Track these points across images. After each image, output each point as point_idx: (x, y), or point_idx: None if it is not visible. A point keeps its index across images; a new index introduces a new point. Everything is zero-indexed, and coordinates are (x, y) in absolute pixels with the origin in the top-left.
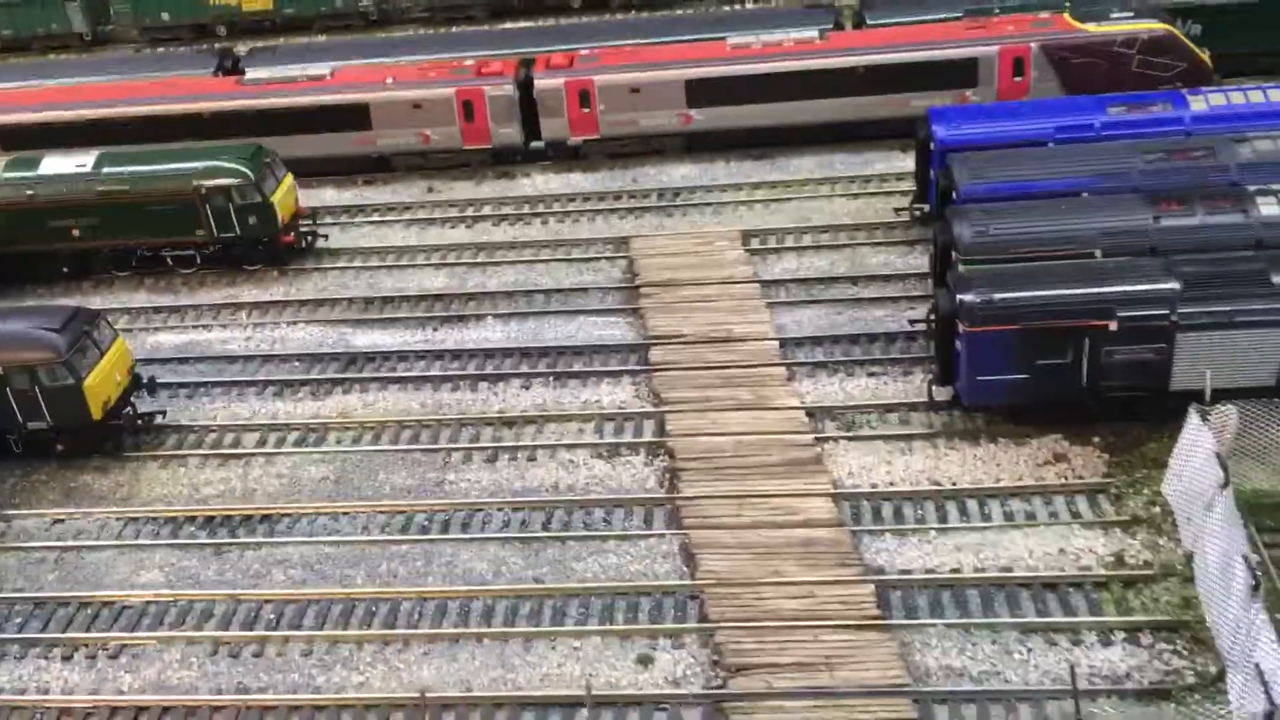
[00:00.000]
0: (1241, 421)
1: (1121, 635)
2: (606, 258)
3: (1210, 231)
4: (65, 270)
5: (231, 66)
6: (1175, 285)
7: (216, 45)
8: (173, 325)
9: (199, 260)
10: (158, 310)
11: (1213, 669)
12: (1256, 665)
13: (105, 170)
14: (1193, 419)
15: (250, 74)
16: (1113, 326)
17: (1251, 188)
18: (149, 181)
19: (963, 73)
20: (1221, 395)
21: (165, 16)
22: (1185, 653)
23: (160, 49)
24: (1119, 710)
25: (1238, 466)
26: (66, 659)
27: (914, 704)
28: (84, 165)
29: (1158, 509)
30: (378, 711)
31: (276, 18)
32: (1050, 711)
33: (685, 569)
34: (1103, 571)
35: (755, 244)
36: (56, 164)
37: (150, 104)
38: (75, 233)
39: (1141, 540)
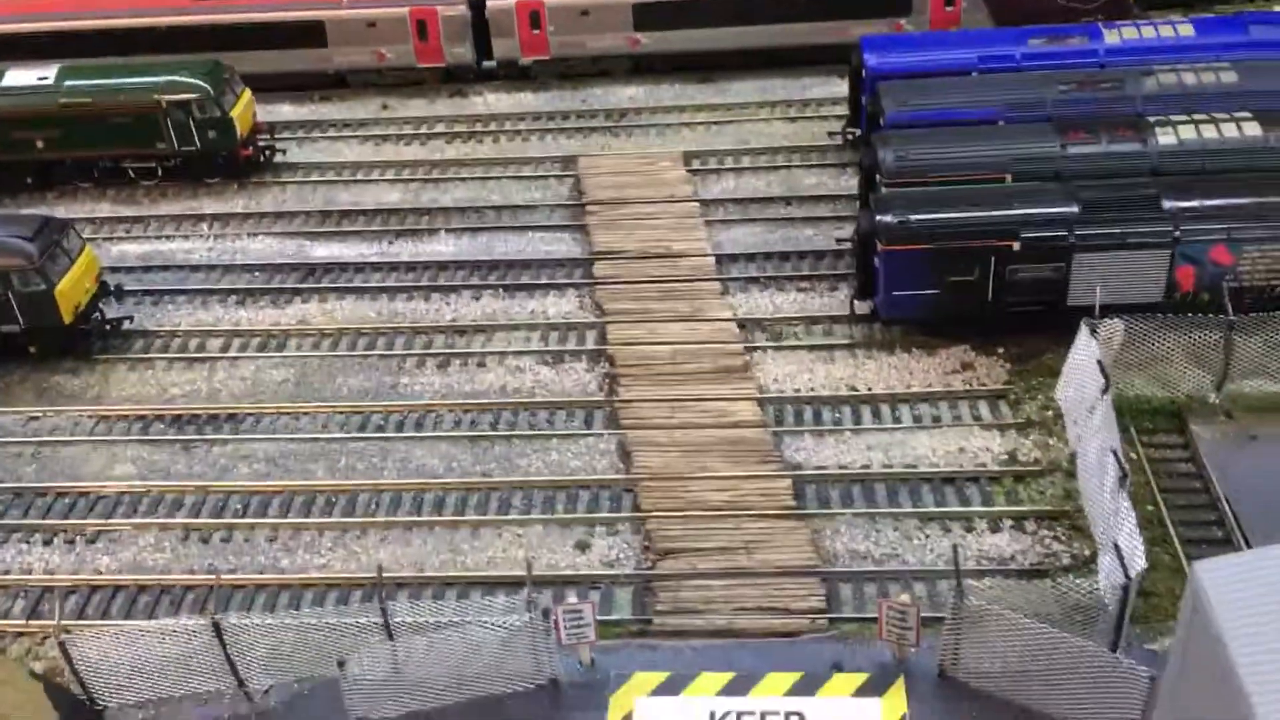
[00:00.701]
0: (1128, 335)
1: (1009, 523)
2: (555, 176)
3: (1112, 159)
4: (29, 181)
5: None
6: (1074, 209)
7: None
8: (136, 235)
9: (160, 173)
10: (121, 220)
11: (1087, 552)
12: (1115, 544)
13: (67, 83)
14: (1083, 331)
15: None
16: (1016, 246)
17: (1152, 119)
18: (110, 95)
19: (897, 1)
20: (1114, 310)
21: None
22: (1064, 538)
23: None
24: (1001, 587)
25: (1123, 375)
26: (47, 543)
27: (822, 582)
28: (46, 78)
29: (1050, 412)
30: (338, 590)
31: None
32: (941, 588)
33: (621, 465)
34: (997, 468)
35: (696, 164)
36: (19, 77)
37: (108, 18)
38: (39, 144)
39: (1034, 440)
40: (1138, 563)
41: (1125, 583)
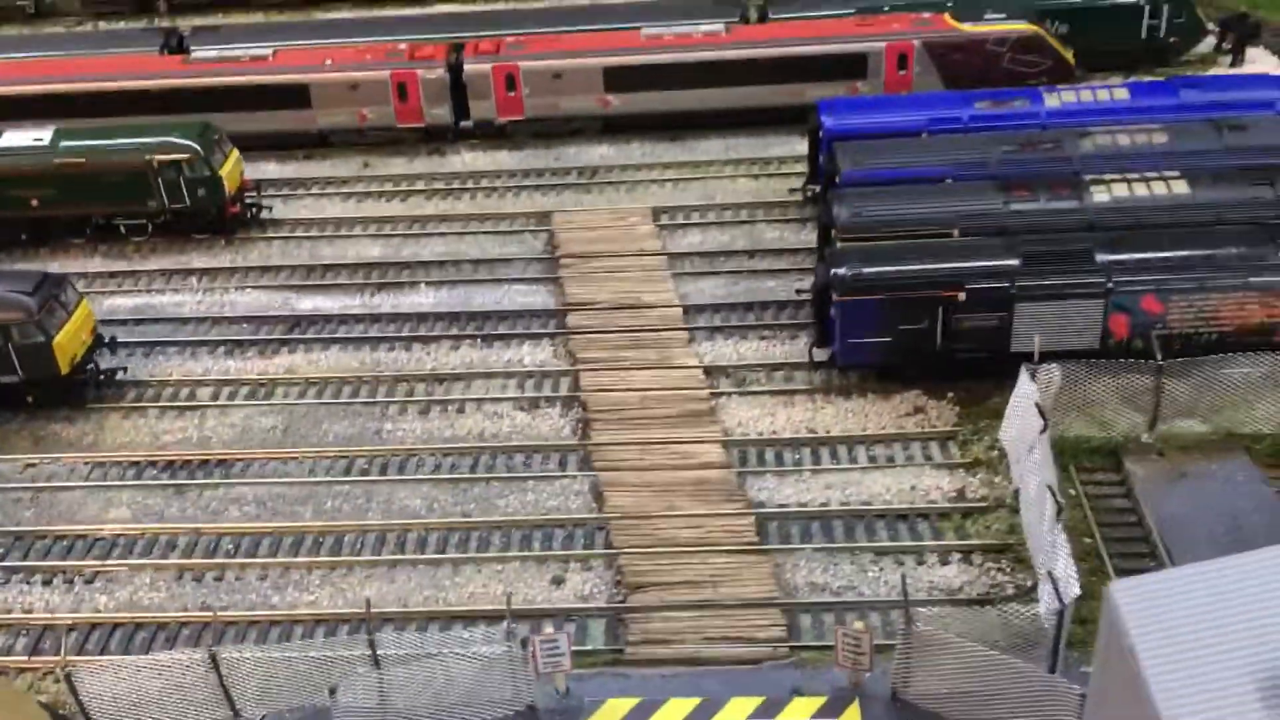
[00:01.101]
0: (1066, 379)
1: (957, 556)
2: (530, 231)
3: (1050, 215)
4: (24, 237)
5: (177, 45)
6: (1015, 262)
7: (158, 23)
8: (127, 289)
9: (150, 229)
10: (113, 275)
11: (1029, 582)
12: (1049, 572)
13: (63, 144)
14: (1023, 377)
15: (196, 53)
16: (961, 297)
17: (1087, 177)
18: (104, 155)
19: (853, 66)
20: (1054, 356)
21: None
22: (1008, 570)
23: (103, 24)
24: (950, 615)
25: (1064, 418)
26: (46, 583)
27: (783, 613)
28: (41, 139)
29: (995, 452)
30: (326, 624)
31: None
32: (894, 617)
33: (594, 504)
34: (946, 504)
35: (665, 220)
36: (15, 138)
37: (102, 81)
38: (34, 202)
39: (980, 479)
40: (1072, 590)
41: (1060, 608)
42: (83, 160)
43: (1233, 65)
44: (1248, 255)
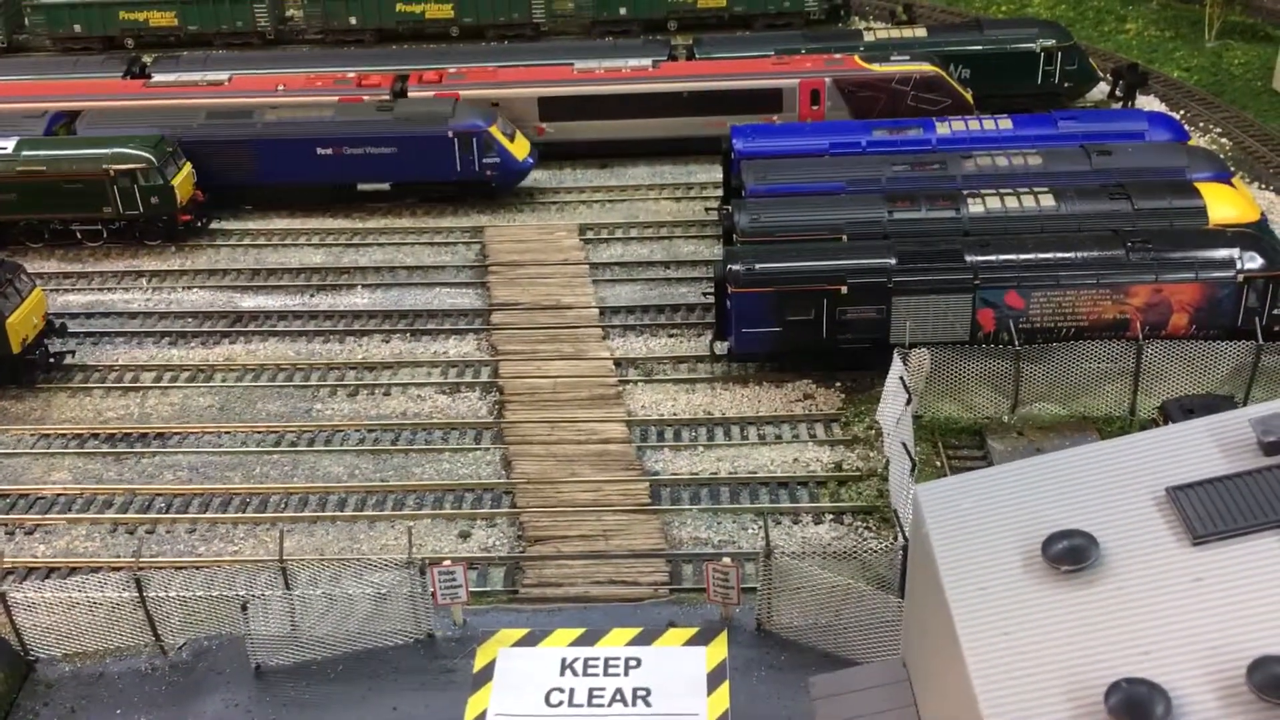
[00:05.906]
0: (936, 365)
1: (830, 517)
2: (463, 243)
3: (930, 223)
4: None
5: (139, 72)
6: (892, 260)
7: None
8: (80, 288)
9: (105, 235)
10: (67, 275)
11: (893, 540)
12: (895, 512)
13: (24, 153)
14: (896, 360)
15: (156, 78)
16: (844, 290)
17: (965, 192)
18: (63, 163)
19: (770, 100)
20: (930, 348)
21: (77, 28)
22: (874, 529)
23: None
24: (809, 555)
25: (935, 401)
26: None
27: (666, 562)
28: (5, 148)
29: (874, 432)
30: (247, 571)
31: (181, 33)
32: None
33: (503, 472)
34: (824, 474)
35: (590, 235)
36: None
37: (66, 100)
38: None
39: (858, 454)
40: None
41: (905, 544)
42: (43, 168)
43: None
44: (1101, 258)
